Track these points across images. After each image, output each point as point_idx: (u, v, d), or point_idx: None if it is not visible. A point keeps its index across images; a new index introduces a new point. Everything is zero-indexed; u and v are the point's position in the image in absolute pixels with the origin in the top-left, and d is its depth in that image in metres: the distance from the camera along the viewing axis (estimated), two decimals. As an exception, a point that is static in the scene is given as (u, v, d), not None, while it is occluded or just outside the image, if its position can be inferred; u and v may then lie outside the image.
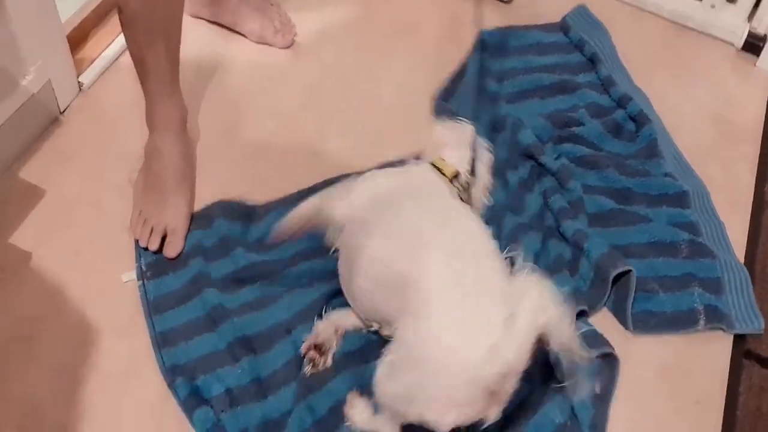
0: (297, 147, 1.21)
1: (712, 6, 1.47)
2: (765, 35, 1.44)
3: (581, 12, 1.47)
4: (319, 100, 1.29)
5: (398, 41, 1.40)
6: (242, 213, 1.09)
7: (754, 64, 1.44)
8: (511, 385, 0.73)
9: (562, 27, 1.44)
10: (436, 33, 1.42)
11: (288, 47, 1.35)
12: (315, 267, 1.01)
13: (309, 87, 1.31)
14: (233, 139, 1.21)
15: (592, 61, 1.37)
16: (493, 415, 0.75)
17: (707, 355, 1.01)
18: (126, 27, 0.98)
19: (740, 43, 1.46)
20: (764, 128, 1.32)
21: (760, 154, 1.27)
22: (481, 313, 0.73)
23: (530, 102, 1.28)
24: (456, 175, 0.92)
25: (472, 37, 1.38)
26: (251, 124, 1.24)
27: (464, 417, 0.74)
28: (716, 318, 1.02)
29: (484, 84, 1.29)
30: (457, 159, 0.94)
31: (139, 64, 1.01)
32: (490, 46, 1.36)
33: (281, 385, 0.91)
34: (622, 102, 1.29)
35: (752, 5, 1.44)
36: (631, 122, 1.28)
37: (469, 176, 0.93)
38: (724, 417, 0.95)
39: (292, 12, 1.39)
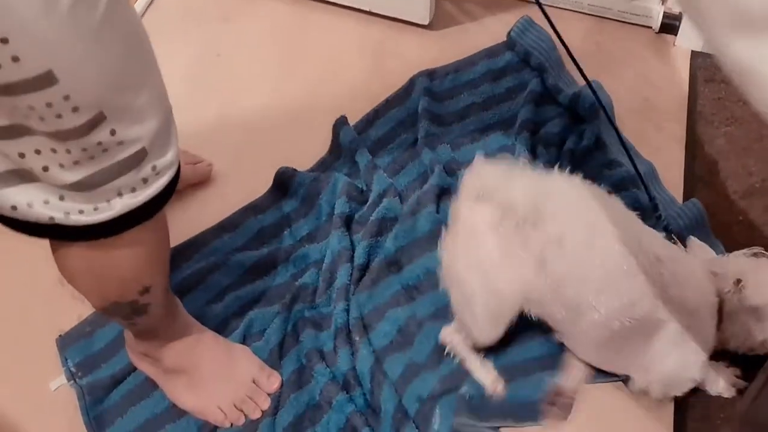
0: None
1: (630, -3, 1.56)
2: (680, 13, 1.53)
3: (526, 23, 1.54)
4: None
5: (322, 83, 1.46)
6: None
7: (673, 44, 1.54)
8: None
9: (509, 45, 1.50)
10: (362, 68, 1.49)
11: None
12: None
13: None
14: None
15: (540, 71, 1.45)
16: None
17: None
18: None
19: (657, 25, 1.56)
20: (689, 105, 1.41)
21: (687, 132, 1.36)
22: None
23: (495, 134, 1.33)
24: None
25: (399, 70, 1.44)
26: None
27: None
28: None
29: (422, 127, 1.31)
30: None
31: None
32: (434, 89, 1.40)
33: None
34: (572, 103, 1.39)
35: (662, -9, 1.54)
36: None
37: None
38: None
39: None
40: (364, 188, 1.22)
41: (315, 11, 1.57)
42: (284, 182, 1.23)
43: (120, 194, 0.71)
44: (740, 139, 1.37)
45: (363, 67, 1.48)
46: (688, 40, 1.55)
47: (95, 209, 0.71)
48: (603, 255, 0.90)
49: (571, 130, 1.34)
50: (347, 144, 1.29)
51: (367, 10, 1.57)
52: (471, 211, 0.95)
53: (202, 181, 1.26)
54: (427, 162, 1.25)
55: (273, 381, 1.04)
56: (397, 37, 1.54)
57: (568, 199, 0.94)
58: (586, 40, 1.57)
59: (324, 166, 1.29)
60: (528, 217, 0.91)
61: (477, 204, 0.94)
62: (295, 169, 1.25)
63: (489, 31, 1.55)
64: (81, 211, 0.70)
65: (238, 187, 1.26)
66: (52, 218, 0.70)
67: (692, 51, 1.54)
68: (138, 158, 0.69)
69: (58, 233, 0.72)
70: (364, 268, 1.10)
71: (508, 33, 1.51)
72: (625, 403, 1.02)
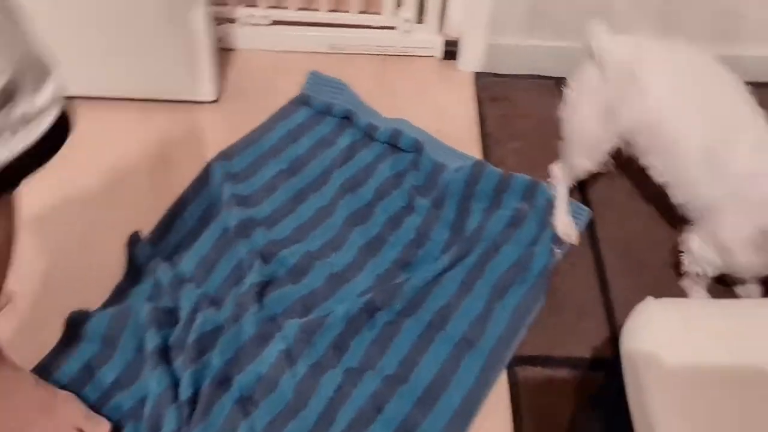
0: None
1: (407, 31, 1.64)
2: (458, 38, 1.64)
3: (316, 76, 1.54)
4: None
5: (105, 196, 1.31)
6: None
7: (456, 68, 1.64)
8: None
9: (303, 101, 1.49)
10: (149, 165, 1.37)
11: None
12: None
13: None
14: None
15: (348, 118, 1.46)
16: None
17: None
18: None
19: (440, 54, 1.65)
20: (480, 129, 1.52)
21: (484, 155, 1.46)
22: None
23: (310, 198, 1.32)
24: None
25: (191, 157, 1.35)
26: None
27: None
28: None
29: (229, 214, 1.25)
30: None
31: None
32: (235, 170, 1.34)
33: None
34: (392, 140, 1.41)
35: (439, 19, 1.63)
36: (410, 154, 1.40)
37: None
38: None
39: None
40: (174, 306, 1.10)
41: (86, 110, 1.35)
42: (77, 328, 1.07)
43: None
44: (527, 152, 1.49)
45: (150, 163, 1.35)
46: (468, 62, 1.65)
47: None
48: None
49: (405, 167, 1.37)
50: (144, 262, 1.16)
51: (145, 98, 1.44)
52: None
53: None
54: (244, 254, 1.18)
55: (100, 430, 0.98)
56: (184, 121, 1.43)
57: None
58: (377, 79, 1.59)
59: (121, 295, 1.14)
60: None
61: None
62: (87, 311, 1.09)
63: (281, 92, 1.51)
64: None
65: (26, 349, 1.04)
66: None
67: (475, 73, 1.66)
68: None
69: None
70: (194, 400, 1.00)
71: (301, 91, 1.49)
72: None
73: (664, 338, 0.75)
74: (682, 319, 0.75)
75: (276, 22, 1.61)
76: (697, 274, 1.20)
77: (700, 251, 1.15)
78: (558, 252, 1.31)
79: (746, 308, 0.76)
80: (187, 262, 1.18)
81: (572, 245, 1.33)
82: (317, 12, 1.62)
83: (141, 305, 1.09)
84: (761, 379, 0.71)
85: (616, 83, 1.18)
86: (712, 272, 1.17)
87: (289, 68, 1.58)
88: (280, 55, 1.61)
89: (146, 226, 1.25)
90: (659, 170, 1.18)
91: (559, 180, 1.36)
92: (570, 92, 1.25)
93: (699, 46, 1.50)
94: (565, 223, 1.33)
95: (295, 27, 1.63)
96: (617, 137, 1.22)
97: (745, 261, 1.09)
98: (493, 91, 1.60)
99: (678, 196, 1.17)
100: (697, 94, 1.12)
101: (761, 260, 1.08)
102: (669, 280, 1.28)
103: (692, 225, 1.18)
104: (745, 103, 1.10)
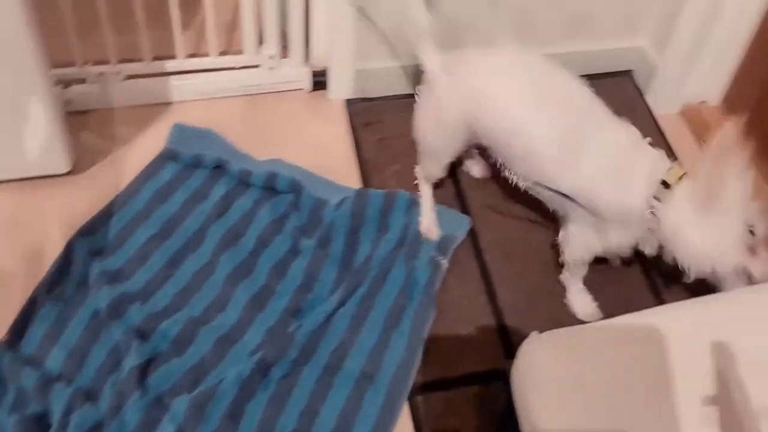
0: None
1: (271, 68, 1.60)
2: (325, 67, 1.61)
3: (181, 128, 1.47)
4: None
5: None
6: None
7: (327, 98, 1.62)
8: None
9: (170, 156, 1.42)
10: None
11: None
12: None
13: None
14: None
15: (220, 167, 1.40)
16: None
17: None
18: None
19: (309, 86, 1.62)
20: (357, 156, 1.50)
21: (363, 183, 1.44)
22: None
23: (188, 259, 1.26)
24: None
25: (47, 238, 1.25)
26: None
27: None
28: None
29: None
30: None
31: None
32: (99, 245, 1.25)
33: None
34: (269, 183, 1.37)
35: (304, 51, 1.59)
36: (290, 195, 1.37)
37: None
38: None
39: None
40: (43, 411, 1.01)
41: None
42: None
43: None
44: (407, 171, 1.48)
45: (2, 251, 1.23)
46: (338, 90, 1.62)
47: None
48: None
49: (285, 210, 1.34)
50: (2, 369, 1.05)
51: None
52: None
53: None
54: (119, 336, 1.10)
55: None
56: (35, 199, 1.32)
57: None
58: (248, 121, 1.55)
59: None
60: None
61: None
62: None
63: (145, 149, 1.43)
64: None
65: None
66: None
67: (346, 100, 1.63)
68: None
69: None
70: None
71: (165, 146, 1.41)
72: None
73: (549, 372, 0.75)
74: (566, 349, 0.76)
75: (131, 77, 1.53)
76: (575, 266, 1.26)
77: (576, 237, 1.21)
78: (443, 262, 1.30)
79: (621, 327, 0.79)
80: (54, 357, 1.09)
81: (458, 257, 1.34)
82: (174, 60, 1.56)
83: (5, 419, 0.99)
84: (639, 392, 0.73)
85: (455, 99, 1.21)
86: (588, 256, 1.23)
87: (150, 123, 1.50)
88: (139, 110, 1.53)
89: (1, 327, 1.13)
90: (523, 175, 1.21)
91: (422, 182, 1.39)
92: (417, 107, 1.30)
93: (552, 46, 1.58)
94: (428, 222, 1.36)
95: (152, 79, 1.55)
96: (464, 146, 1.28)
97: (616, 239, 1.15)
98: (366, 116, 1.59)
99: (543, 195, 1.22)
100: (538, 96, 1.16)
101: (630, 237, 1.15)
102: (551, 277, 1.32)
103: (565, 218, 1.23)
104: (583, 96, 1.16)
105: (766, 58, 1.50)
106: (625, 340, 0.77)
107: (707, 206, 1.03)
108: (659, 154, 1.13)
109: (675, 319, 0.82)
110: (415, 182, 1.43)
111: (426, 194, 1.39)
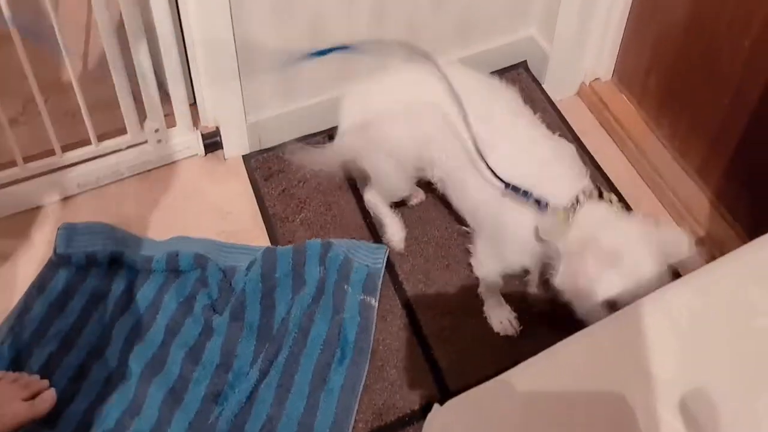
0: None
1: (159, 141, 1.52)
2: (216, 127, 1.54)
3: (67, 229, 1.35)
4: None
5: None
6: None
7: (223, 159, 1.54)
8: None
9: (59, 263, 1.30)
10: None
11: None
12: None
13: None
14: None
15: (116, 260, 1.30)
16: None
17: None
18: None
19: (201, 150, 1.55)
20: (262, 212, 1.42)
21: (271, 241, 1.37)
22: None
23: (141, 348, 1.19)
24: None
25: None
26: None
27: None
28: None
29: None
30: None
31: None
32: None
33: None
34: (171, 264, 1.28)
35: (190, 116, 1.51)
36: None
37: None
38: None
39: None
40: None
41: None
42: None
43: None
44: (314, 217, 1.40)
45: None
46: (233, 148, 1.55)
47: None
48: None
49: (192, 290, 1.26)
50: None
51: None
52: None
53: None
54: None
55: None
56: None
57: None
58: (144, 200, 1.46)
59: None
60: None
61: None
62: None
63: (29, 260, 1.31)
64: None
65: None
66: None
67: (242, 156, 1.56)
68: None
69: None
70: None
71: (53, 254, 1.30)
72: None
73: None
74: (473, 413, 0.70)
75: (2, 186, 1.41)
76: (487, 280, 1.22)
77: (481, 254, 1.19)
78: (373, 302, 1.24)
79: (525, 379, 0.72)
80: None
81: (382, 296, 1.28)
82: (52, 158, 1.45)
83: None
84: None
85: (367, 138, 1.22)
86: (495, 272, 1.20)
87: (34, 230, 1.39)
88: (18, 219, 1.41)
89: None
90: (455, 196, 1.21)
91: (375, 203, 1.38)
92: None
93: (447, 55, 1.54)
94: (394, 230, 1.36)
95: (29, 182, 1.43)
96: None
97: (515, 257, 1.12)
98: (266, 168, 1.52)
99: (461, 209, 1.20)
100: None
101: (529, 255, 1.10)
102: (470, 295, 1.27)
103: (474, 234, 1.21)
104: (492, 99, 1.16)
105: (650, 19, 1.47)
106: (527, 392, 0.70)
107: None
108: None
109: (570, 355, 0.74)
110: (326, 226, 1.37)
111: (384, 211, 1.37)
